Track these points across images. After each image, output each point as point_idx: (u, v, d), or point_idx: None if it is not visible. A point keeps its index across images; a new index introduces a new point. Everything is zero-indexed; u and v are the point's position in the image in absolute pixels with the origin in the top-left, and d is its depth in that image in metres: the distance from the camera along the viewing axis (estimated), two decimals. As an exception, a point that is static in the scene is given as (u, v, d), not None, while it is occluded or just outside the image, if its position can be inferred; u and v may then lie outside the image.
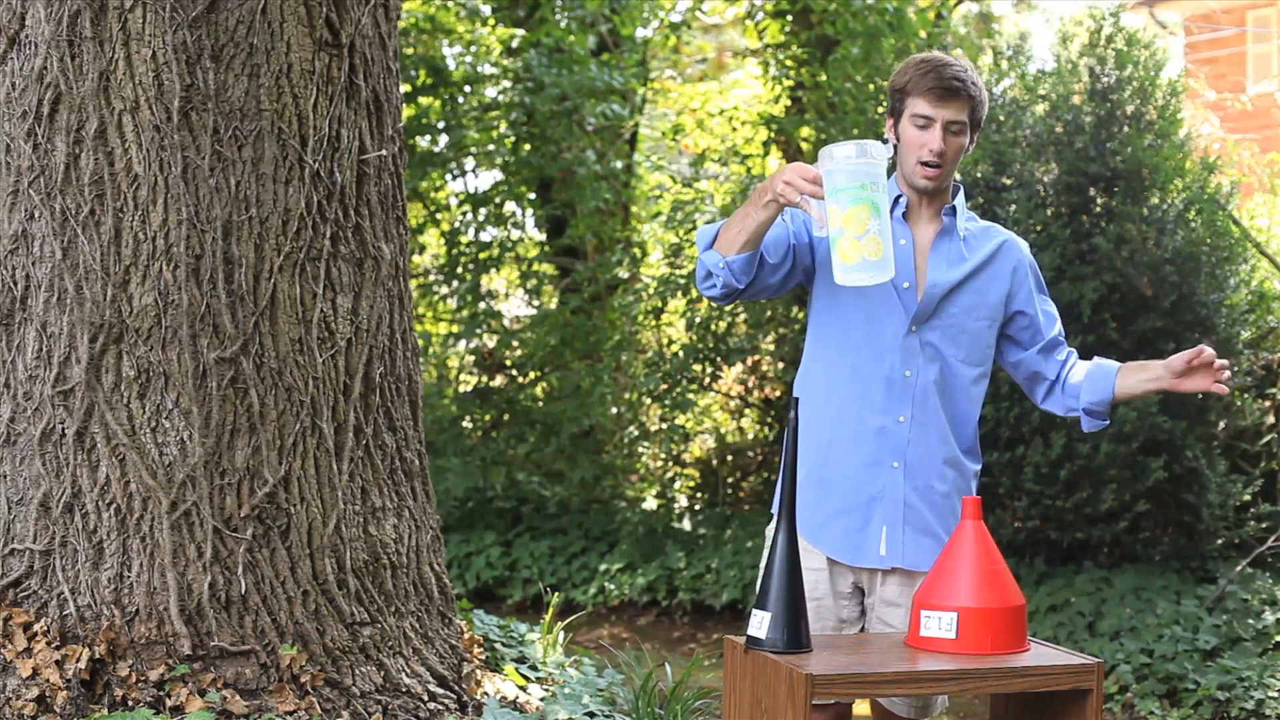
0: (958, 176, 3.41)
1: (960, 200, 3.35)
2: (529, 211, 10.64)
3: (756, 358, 8.62)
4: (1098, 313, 6.43)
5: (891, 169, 3.26)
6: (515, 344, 10.02)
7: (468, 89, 10.36)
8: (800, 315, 7.95)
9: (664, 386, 8.60)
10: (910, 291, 3.25)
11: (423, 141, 10.24)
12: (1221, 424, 6.70)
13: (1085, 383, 3.38)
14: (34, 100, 4.00)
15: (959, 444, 3.32)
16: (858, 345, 3.26)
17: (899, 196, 3.28)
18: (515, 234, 10.40)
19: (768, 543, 3.39)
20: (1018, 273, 3.36)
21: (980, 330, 3.32)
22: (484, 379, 10.39)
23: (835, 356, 3.29)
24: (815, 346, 3.34)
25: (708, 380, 8.67)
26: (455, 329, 10.33)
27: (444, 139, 10.36)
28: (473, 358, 10.58)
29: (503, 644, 4.92)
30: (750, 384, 8.92)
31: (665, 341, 9.10)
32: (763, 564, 3.37)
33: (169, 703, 3.82)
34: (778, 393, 8.53)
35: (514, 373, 10.05)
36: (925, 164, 3.22)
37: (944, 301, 3.27)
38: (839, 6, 9.02)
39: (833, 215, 2.77)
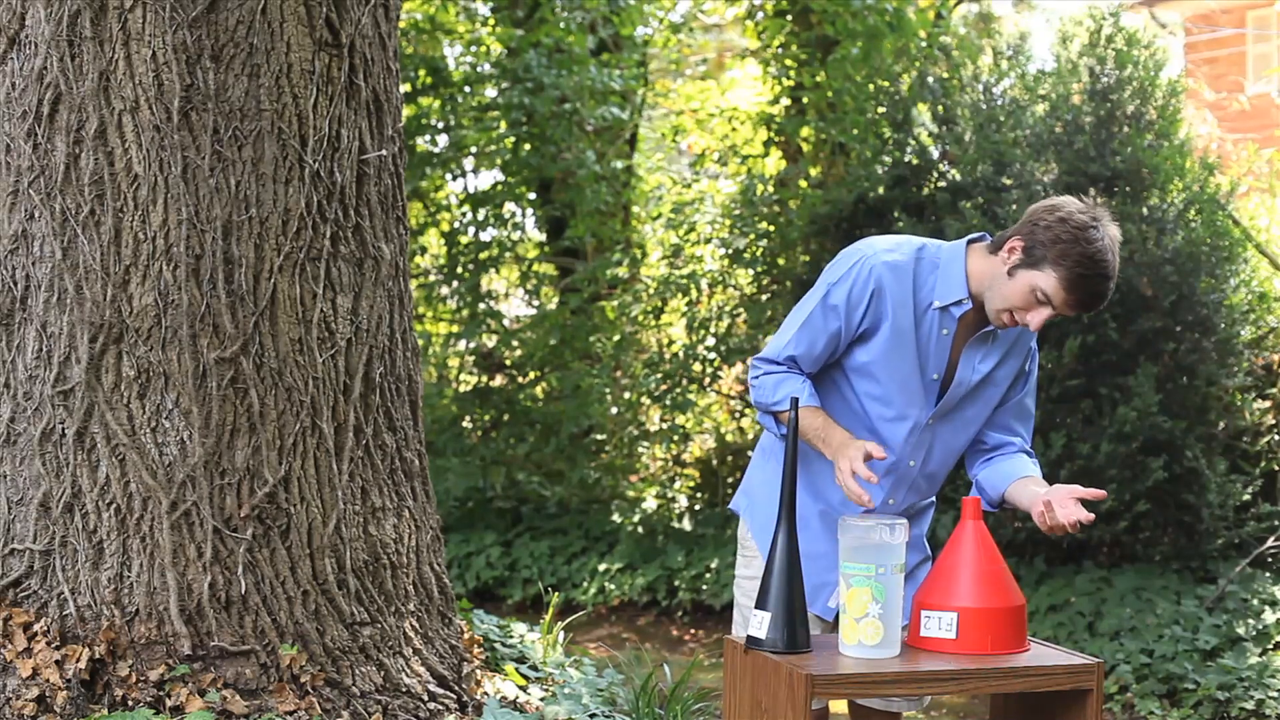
0: None
1: None
2: (529, 212, 10.64)
3: (756, 358, 8.61)
4: (1098, 312, 6.43)
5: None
6: (515, 344, 10.02)
7: (467, 89, 10.36)
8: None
9: (664, 387, 8.59)
10: (935, 384, 3.15)
11: (422, 141, 10.24)
12: (1221, 424, 6.70)
13: (994, 475, 3.25)
14: (34, 100, 4.00)
15: (934, 492, 3.34)
16: (876, 422, 3.18)
17: (962, 299, 3.10)
18: (515, 234, 10.40)
19: (741, 545, 3.39)
20: (1019, 377, 3.26)
21: (986, 415, 3.25)
22: (484, 379, 10.39)
23: (851, 422, 3.19)
24: (834, 410, 3.21)
25: (708, 380, 8.67)
26: (455, 329, 10.33)
27: (443, 139, 10.36)
28: (472, 358, 10.58)
29: (503, 644, 4.92)
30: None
31: (665, 341, 9.10)
32: (741, 572, 3.37)
33: (169, 703, 3.82)
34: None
35: (514, 373, 10.05)
36: (1006, 321, 3.05)
37: (966, 397, 3.19)
38: (839, 7, 9.02)
39: (840, 587, 2.77)
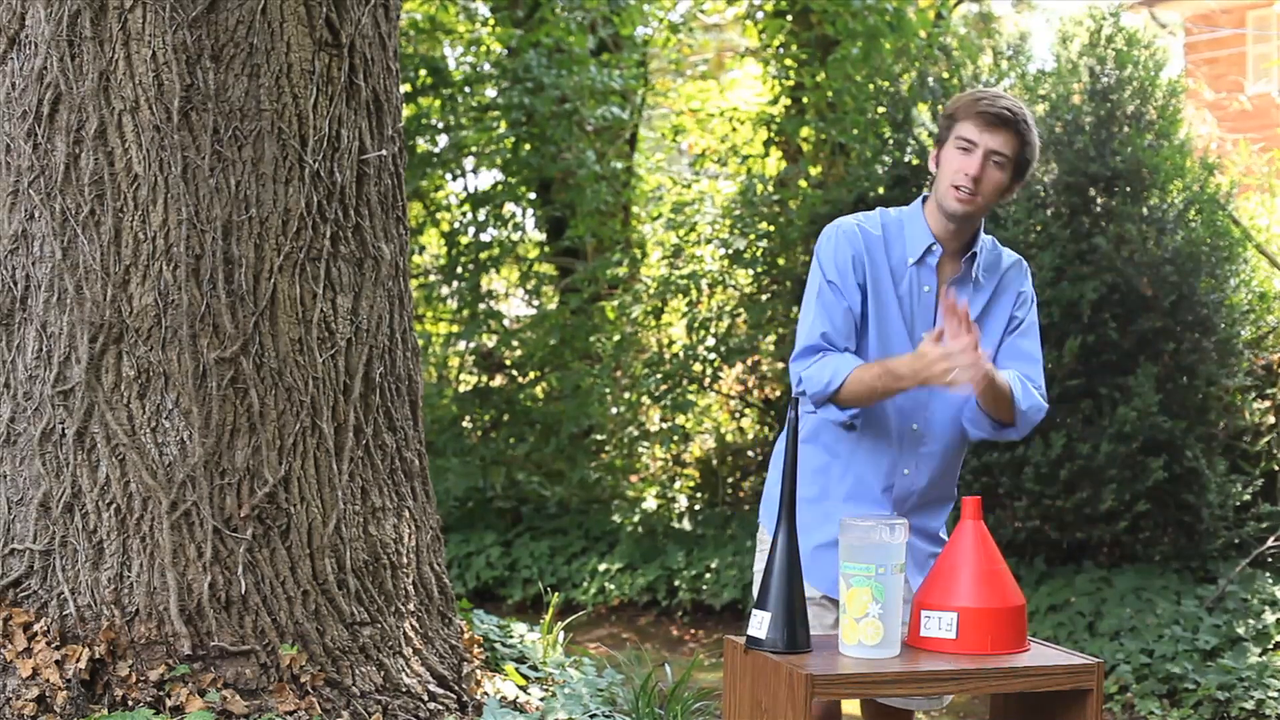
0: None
1: (980, 238, 3.28)
2: (529, 212, 10.64)
3: (756, 358, 8.62)
4: (1098, 313, 6.43)
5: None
6: (515, 344, 10.01)
7: (467, 89, 10.36)
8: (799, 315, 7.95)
9: (664, 387, 8.59)
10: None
11: (422, 141, 10.24)
12: (1221, 424, 6.70)
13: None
14: (34, 100, 4.00)
15: (950, 477, 3.35)
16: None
17: (931, 245, 3.22)
18: (515, 234, 10.40)
19: (760, 544, 3.39)
20: (1012, 321, 3.31)
21: None
22: (484, 379, 10.38)
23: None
24: None
25: (708, 380, 8.67)
26: (455, 329, 10.33)
27: (443, 139, 10.36)
28: (472, 358, 10.58)
29: (503, 644, 4.92)
30: (750, 384, 8.92)
31: (665, 342, 9.10)
32: (756, 568, 3.38)
33: (169, 703, 3.82)
34: (778, 393, 8.54)
35: (514, 373, 10.05)
36: (958, 187, 3.17)
37: None
38: (839, 7, 9.01)
39: (840, 587, 2.78)
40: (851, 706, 3.90)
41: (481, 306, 10.17)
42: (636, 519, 8.81)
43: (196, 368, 3.98)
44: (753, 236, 8.29)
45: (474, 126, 10.20)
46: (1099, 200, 6.65)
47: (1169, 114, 6.74)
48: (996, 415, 3.21)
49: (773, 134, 9.54)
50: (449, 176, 10.62)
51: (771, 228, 8.21)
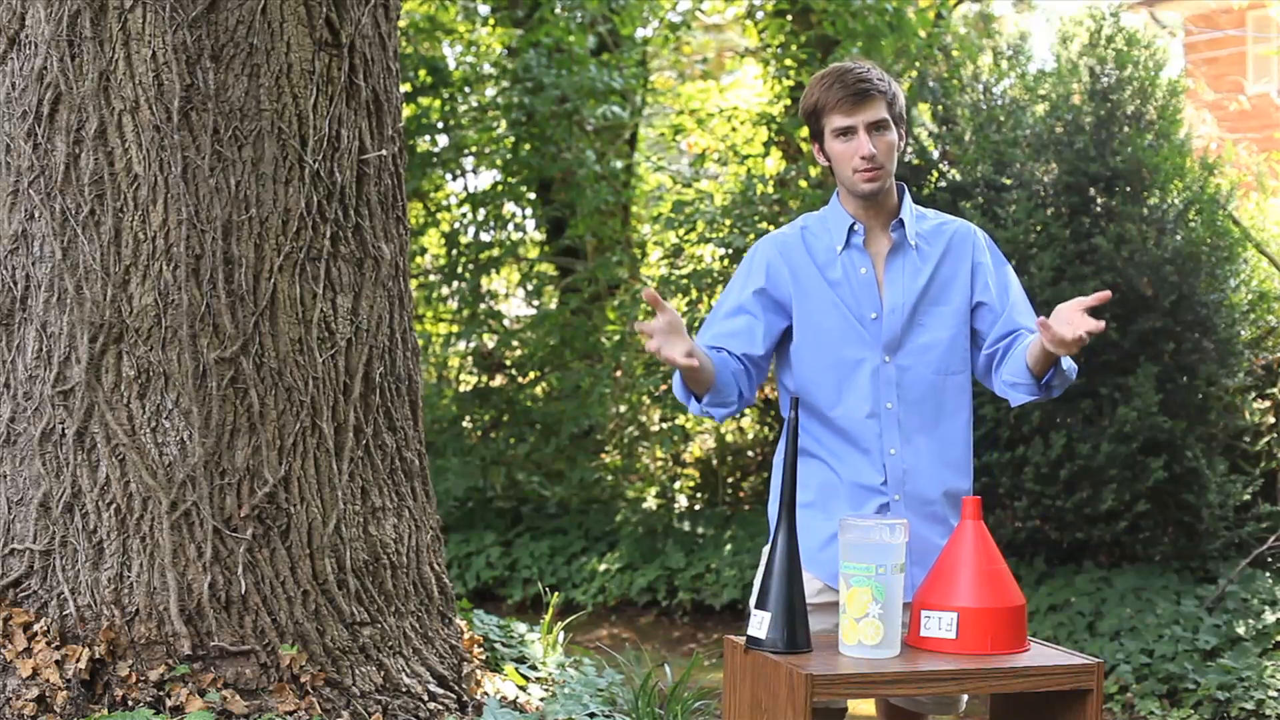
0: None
1: (906, 206, 3.28)
2: (529, 212, 10.64)
3: (756, 358, 8.60)
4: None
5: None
6: (515, 344, 10.01)
7: (467, 89, 10.36)
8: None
9: (664, 386, 8.59)
10: (877, 322, 3.21)
11: (422, 141, 10.24)
12: (1221, 424, 6.70)
13: (1011, 362, 3.25)
14: (34, 100, 4.00)
15: (954, 464, 3.28)
16: (837, 384, 3.22)
17: (853, 225, 3.25)
18: (516, 235, 10.39)
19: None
20: (976, 273, 3.30)
21: (953, 337, 3.26)
22: (484, 379, 10.38)
23: (816, 397, 3.24)
24: (798, 383, 3.28)
25: (708, 380, 8.65)
26: (455, 329, 10.33)
27: (443, 139, 10.36)
28: (472, 358, 10.58)
29: (503, 644, 4.92)
30: (750, 384, 8.90)
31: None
32: (760, 569, 3.38)
33: (169, 703, 3.82)
34: (778, 393, 8.53)
35: (514, 373, 10.05)
36: (859, 171, 3.21)
37: (910, 322, 3.22)
38: (839, 6, 9.01)
39: (841, 588, 2.78)
40: (866, 707, 3.89)
41: (481, 307, 10.17)
42: (636, 519, 8.81)
43: (196, 368, 3.98)
44: (752, 236, 8.28)
45: (474, 126, 10.20)
46: (1099, 200, 6.65)
47: (1169, 114, 6.74)
48: (1040, 372, 3.18)
49: (773, 134, 9.53)
50: (449, 176, 10.61)
51: (771, 227, 8.20)
